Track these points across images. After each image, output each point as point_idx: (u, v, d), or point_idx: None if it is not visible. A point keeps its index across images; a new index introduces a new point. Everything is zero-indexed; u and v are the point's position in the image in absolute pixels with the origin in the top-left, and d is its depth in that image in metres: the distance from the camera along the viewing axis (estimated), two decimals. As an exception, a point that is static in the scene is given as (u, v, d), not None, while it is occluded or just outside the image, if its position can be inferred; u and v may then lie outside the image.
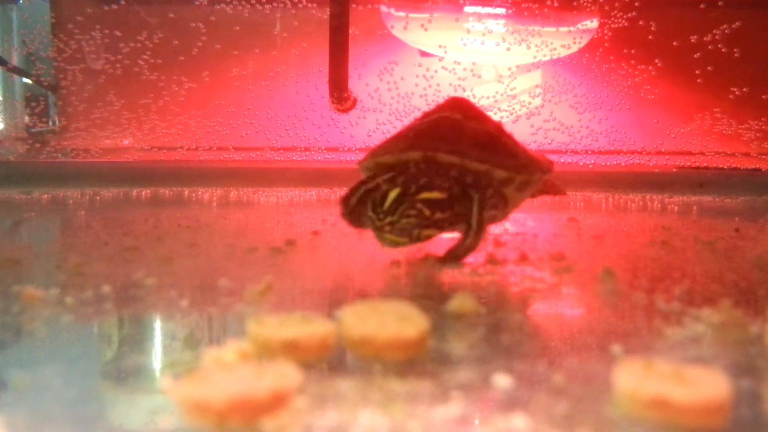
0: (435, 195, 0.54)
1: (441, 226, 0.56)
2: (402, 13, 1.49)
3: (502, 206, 0.61)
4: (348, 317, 0.35)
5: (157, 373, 0.36)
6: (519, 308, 0.48)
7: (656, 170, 1.49)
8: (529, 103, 1.55)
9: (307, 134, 1.52)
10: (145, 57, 1.50)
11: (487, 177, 0.58)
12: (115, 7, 1.47)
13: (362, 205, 0.58)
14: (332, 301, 0.51)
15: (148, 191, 1.31)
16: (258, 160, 1.50)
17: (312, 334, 0.34)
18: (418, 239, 0.55)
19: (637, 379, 0.28)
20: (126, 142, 1.54)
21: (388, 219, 0.52)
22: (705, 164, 1.49)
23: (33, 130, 1.60)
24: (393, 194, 0.53)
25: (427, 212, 0.54)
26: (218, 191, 1.32)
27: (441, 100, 1.51)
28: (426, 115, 0.64)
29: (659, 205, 1.22)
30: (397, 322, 0.34)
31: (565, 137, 1.53)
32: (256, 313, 0.44)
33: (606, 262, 0.65)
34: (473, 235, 0.57)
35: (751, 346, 0.38)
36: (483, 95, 1.55)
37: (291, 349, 0.33)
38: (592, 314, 0.47)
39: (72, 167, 1.47)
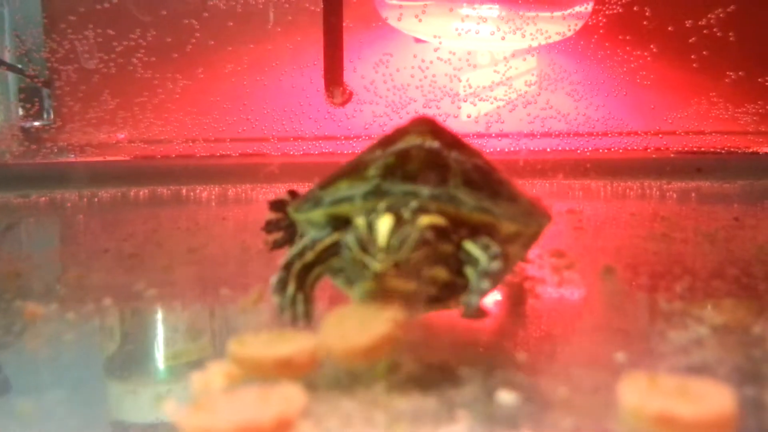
0: (436, 219, 0.40)
1: (448, 263, 0.40)
2: (396, 2, 1.49)
3: (505, 271, 0.43)
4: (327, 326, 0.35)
5: (163, 395, 0.36)
6: (520, 313, 0.48)
7: (654, 156, 1.48)
8: (526, 92, 1.54)
9: (303, 129, 1.51)
10: (139, 55, 1.49)
11: (489, 231, 0.42)
12: (107, 5, 1.46)
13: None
14: (332, 303, 0.51)
15: (146, 191, 1.31)
16: (255, 154, 1.50)
17: (301, 350, 0.33)
18: (427, 283, 0.40)
19: (642, 395, 0.28)
20: (121, 136, 1.53)
21: (392, 258, 0.37)
22: (703, 148, 1.49)
23: (27, 129, 1.59)
24: (386, 224, 0.38)
25: (435, 242, 0.39)
26: (216, 189, 1.32)
27: (437, 90, 1.52)
28: (388, 140, 0.47)
29: (658, 192, 1.22)
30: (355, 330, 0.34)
31: (561, 124, 1.53)
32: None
33: (606, 257, 0.65)
34: (492, 259, 0.40)
35: (754, 348, 0.39)
36: (478, 83, 1.54)
37: (282, 368, 0.33)
38: (595, 319, 0.47)
39: (69, 168, 1.46)
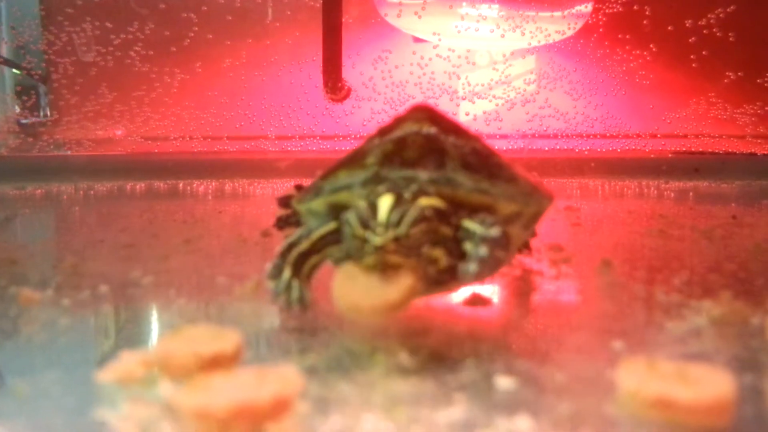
0: (435, 202, 0.40)
1: (448, 247, 0.40)
2: (396, 0, 1.48)
3: (506, 248, 0.42)
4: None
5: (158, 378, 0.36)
6: (519, 303, 0.48)
7: (652, 156, 1.48)
8: (525, 91, 1.54)
9: (301, 124, 1.51)
10: (136, 48, 1.48)
11: (489, 212, 0.42)
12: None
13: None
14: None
15: (143, 184, 1.31)
16: (253, 150, 1.50)
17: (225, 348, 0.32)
18: (426, 262, 0.39)
19: (640, 379, 0.28)
20: (119, 132, 1.53)
21: (391, 233, 0.38)
22: (701, 149, 1.49)
23: (24, 123, 1.58)
24: (387, 201, 0.39)
25: (434, 223, 0.40)
26: (213, 183, 1.32)
27: (436, 88, 1.52)
28: (386, 129, 0.47)
29: (656, 192, 1.22)
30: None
31: (560, 124, 1.53)
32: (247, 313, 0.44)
33: (604, 252, 0.65)
34: (489, 227, 0.41)
35: (752, 339, 0.38)
36: (477, 82, 1.54)
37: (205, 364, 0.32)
38: (592, 309, 0.47)
39: (65, 161, 1.46)
